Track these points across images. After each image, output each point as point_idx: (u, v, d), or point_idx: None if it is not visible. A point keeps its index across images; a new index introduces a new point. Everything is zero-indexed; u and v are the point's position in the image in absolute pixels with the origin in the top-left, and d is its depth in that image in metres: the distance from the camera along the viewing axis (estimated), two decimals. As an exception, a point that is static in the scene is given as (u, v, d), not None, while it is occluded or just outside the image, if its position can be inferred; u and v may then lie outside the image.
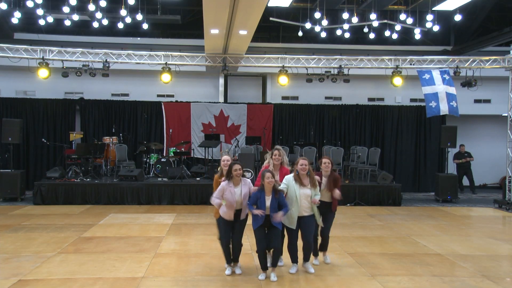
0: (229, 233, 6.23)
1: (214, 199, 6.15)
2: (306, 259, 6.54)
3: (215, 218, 6.43)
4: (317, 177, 6.46)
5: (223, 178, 6.25)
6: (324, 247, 7.00)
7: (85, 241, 8.15)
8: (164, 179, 13.01)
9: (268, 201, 5.99)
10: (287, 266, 6.57)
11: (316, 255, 6.94)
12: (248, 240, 7.59)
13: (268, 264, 6.23)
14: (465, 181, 15.67)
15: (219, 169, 6.62)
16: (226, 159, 6.45)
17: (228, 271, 6.36)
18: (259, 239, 6.06)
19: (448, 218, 11.09)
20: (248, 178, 6.40)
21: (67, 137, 14.80)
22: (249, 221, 6.28)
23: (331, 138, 16.05)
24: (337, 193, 6.58)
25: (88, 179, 12.66)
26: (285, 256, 6.59)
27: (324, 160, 6.75)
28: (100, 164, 13.95)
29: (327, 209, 6.74)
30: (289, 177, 6.30)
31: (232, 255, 6.36)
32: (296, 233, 6.31)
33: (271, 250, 6.26)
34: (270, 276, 6.14)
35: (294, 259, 6.44)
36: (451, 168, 14.99)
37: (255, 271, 6.43)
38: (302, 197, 6.18)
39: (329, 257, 7.08)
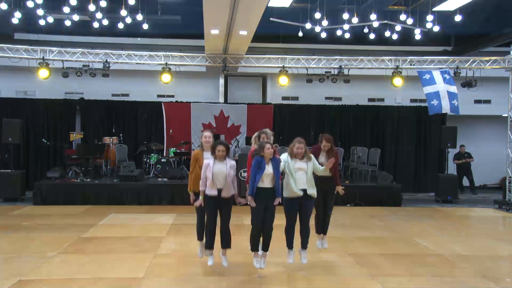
0: (216, 214, 6.21)
1: (201, 184, 6.15)
2: (303, 246, 6.45)
3: (195, 206, 6.45)
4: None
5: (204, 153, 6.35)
6: (324, 229, 7.05)
7: (86, 242, 8.16)
8: (164, 179, 13.01)
9: (270, 168, 6.00)
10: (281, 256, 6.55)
11: (318, 232, 7.04)
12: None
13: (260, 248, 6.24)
14: (465, 182, 15.67)
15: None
16: (207, 135, 6.51)
17: (210, 261, 6.32)
18: (257, 214, 6.03)
19: (448, 218, 11.09)
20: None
21: (67, 137, 14.79)
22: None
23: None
24: (330, 162, 6.43)
25: (88, 180, 12.66)
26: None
27: (324, 143, 6.92)
28: (100, 165, 13.95)
29: (329, 185, 6.82)
30: (285, 155, 6.36)
31: (221, 242, 6.26)
32: (294, 215, 6.27)
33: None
34: (260, 262, 6.15)
35: (290, 245, 6.33)
36: (451, 168, 14.99)
37: (255, 271, 6.40)
38: (298, 170, 6.21)
39: (327, 243, 7.14)
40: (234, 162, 6.30)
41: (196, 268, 6.62)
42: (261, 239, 6.23)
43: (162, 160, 13.74)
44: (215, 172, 6.05)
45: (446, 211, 12.11)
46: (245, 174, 11.95)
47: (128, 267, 6.65)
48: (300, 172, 6.24)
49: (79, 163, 13.17)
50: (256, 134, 6.75)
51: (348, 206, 12.41)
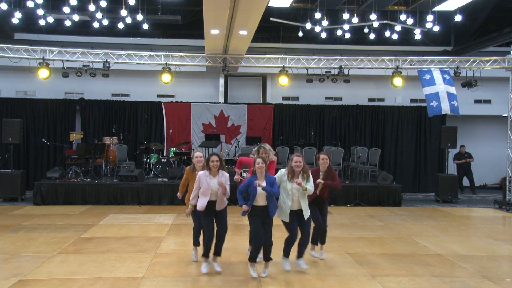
0: (212, 224, 6.26)
1: (192, 199, 6.33)
2: (300, 255, 6.48)
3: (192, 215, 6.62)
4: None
5: (196, 172, 6.45)
6: (323, 239, 7.08)
7: (85, 241, 8.16)
8: (164, 179, 13.01)
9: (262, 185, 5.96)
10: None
11: (315, 243, 7.02)
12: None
13: (258, 259, 6.28)
14: (465, 182, 15.66)
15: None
16: (198, 155, 6.67)
17: (204, 269, 6.32)
18: (257, 231, 6.02)
19: (448, 218, 11.08)
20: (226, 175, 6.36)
21: (67, 137, 14.81)
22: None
23: (331, 139, 16.06)
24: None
25: (88, 179, 12.66)
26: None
27: (322, 156, 6.93)
28: (100, 164, 13.95)
29: (321, 202, 6.88)
30: (282, 171, 6.32)
31: (214, 248, 6.34)
32: (295, 226, 6.25)
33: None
34: (263, 272, 6.18)
35: (287, 253, 6.35)
36: (451, 168, 14.99)
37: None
38: (295, 190, 6.17)
39: (325, 253, 7.17)
40: (227, 175, 6.28)
41: (196, 268, 6.61)
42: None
43: (162, 160, 13.74)
44: (209, 187, 6.13)
45: (446, 211, 12.10)
46: (245, 174, 11.95)
47: (128, 267, 6.65)
48: (295, 194, 6.20)
49: (79, 163, 13.17)
50: (256, 147, 6.83)
51: (348, 206, 12.41)
